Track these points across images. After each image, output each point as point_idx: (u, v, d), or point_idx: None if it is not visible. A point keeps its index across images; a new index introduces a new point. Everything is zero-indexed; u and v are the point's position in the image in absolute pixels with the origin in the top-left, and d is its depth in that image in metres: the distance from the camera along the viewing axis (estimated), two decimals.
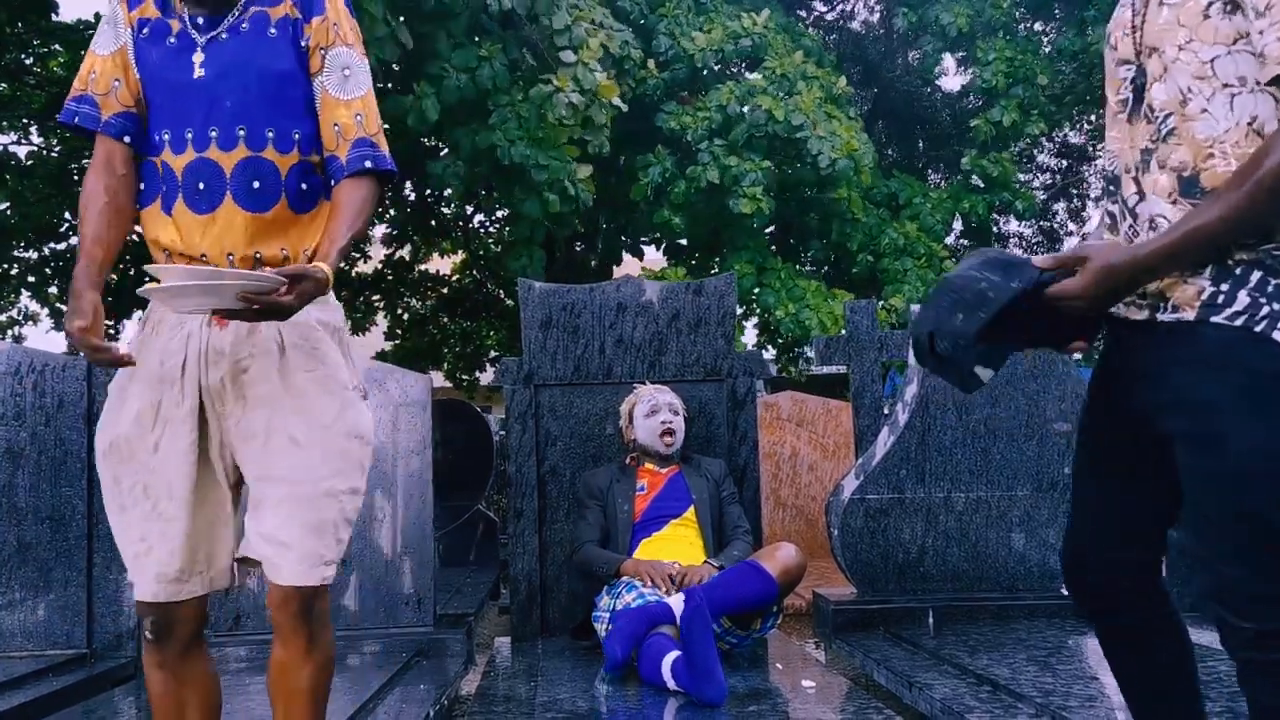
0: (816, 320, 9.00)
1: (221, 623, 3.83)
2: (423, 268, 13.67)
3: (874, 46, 12.83)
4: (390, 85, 7.69)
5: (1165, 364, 1.52)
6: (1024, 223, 15.58)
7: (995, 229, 13.83)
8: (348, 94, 1.87)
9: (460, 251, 13.41)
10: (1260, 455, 1.41)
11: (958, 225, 12.16)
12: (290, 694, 1.84)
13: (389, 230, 13.18)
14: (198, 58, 1.80)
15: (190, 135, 1.78)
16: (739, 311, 9.87)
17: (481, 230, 13.20)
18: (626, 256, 11.38)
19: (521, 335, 4.14)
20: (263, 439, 1.79)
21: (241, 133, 1.79)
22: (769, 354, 11.26)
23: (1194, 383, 1.47)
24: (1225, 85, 1.46)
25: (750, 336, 12.27)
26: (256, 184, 1.79)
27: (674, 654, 2.93)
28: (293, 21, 1.86)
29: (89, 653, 3.70)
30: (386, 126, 8.93)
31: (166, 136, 1.80)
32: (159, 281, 1.60)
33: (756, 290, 9.48)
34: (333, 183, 1.86)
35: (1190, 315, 1.48)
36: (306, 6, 1.87)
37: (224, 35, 1.82)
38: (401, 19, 6.56)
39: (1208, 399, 1.46)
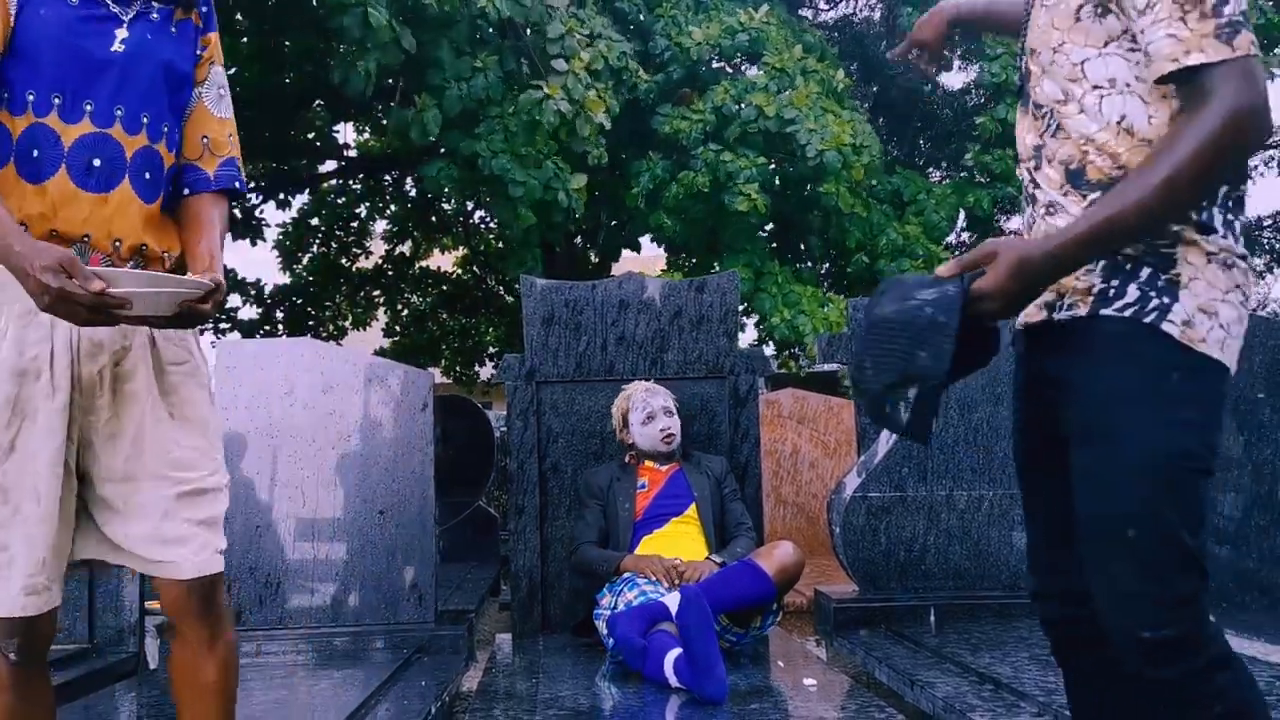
0: (811, 326, 9.02)
1: None
2: (423, 264, 13.67)
3: (875, 43, 12.81)
4: (396, 84, 7.72)
5: (1062, 361, 1.51)
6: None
7: (997, 224, 13.82)
8: (222, 112, 1.89)
9: (460, 247, 13.41)
10: (1150, 450, 1.40)
11: (959, 221, 12.14)
12: (197, 692, 1.78)
13: (390, 226, 13.18)
14: (120, 33, 1.73)
15: (90, 107, 1.69)
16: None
17: (482, 226, 13.21)
18: (627, 253, 11.39)
19: (523, 332, 4.14)
20: (133, 438, 1.72)
21: (145, 120, 1.75)
22: (768, 351, 11.27)
23: (1087, 377, 1.47)
24: (1095, 87, 1.47)
25: (750, 334, 12.28)
26: (148, 175, 1.76)
27: (676, 651, 2.92)
28: (195, 29, 1.85)
29: (91, 647, 3.70)
30: (394, 134, 8.89)
31: (57, 100, 1.67)
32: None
33: (754, 294, 9.47)
34: (186, 192, 1.85)
35: (1083, 311, 1.47)
36: (207, 19, 1.88)
37: (135, 17, 1.76)
38: (405, 25, 6.62)
39: (1100, 393, 1.45)
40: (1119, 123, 1.46)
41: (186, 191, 1.85)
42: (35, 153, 1.66)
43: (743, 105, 9.02)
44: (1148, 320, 1.41)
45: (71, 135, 1.68)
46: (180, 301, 1.58)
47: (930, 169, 13.37)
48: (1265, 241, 17.14)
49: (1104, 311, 1.45)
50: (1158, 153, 1.37)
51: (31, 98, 1.66)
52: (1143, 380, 1.42)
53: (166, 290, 1.57)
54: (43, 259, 1.49)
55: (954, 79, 20.87)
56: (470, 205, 12.24)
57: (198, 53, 1.85)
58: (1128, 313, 1.43)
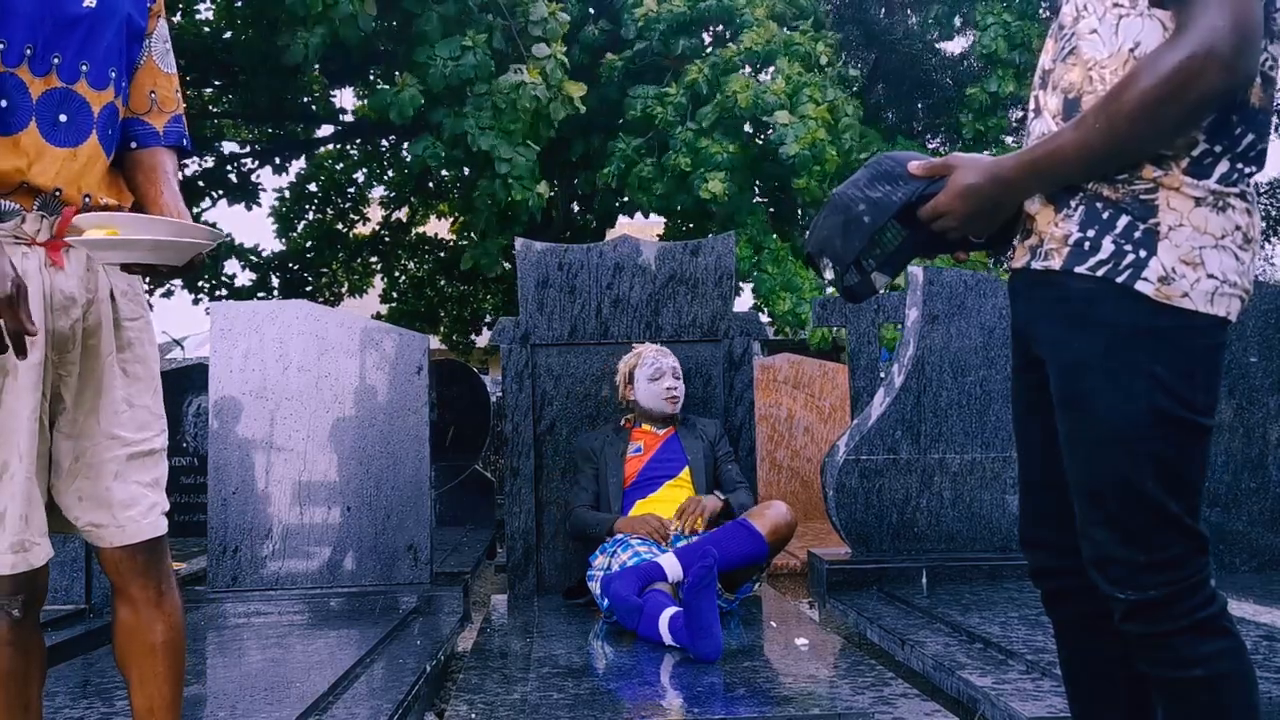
0: (810, 313, 9.05)
1: (219, 579, 3.85)
2: (420, 230, 13.62)
3: (875, 6, 12.70)
4: (383, 51, 7.81)
5: (1038, 316, 1.46)
6: None
7: None
8: (168, 68, 1.86)
9: (457, 214, 13.36)
10: (1124, 417, 1.35)
11: None
12: (145, 652, 1.75)
13: (387, 193, 13.14)
14: None
15: (58, 61, 1.65)
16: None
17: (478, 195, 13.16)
18: (623, 219, 11.38)
19: (518, 295, 4.14)
20: (93, 394, 1.71)
21: (112, 75, 1.73)
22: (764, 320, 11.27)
23: (1060, 340, 1.42)
24: (1115, 4, 1.36)
25: (746, 301, 12.28)
26: (110, 131, 1.75)
27: (671, 610, 2.95)
28: None
29: (88, 607, 3.72)
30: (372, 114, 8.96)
31: (29, 52, 1.63)
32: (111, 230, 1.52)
33: (755, 273, 9.46)
34: (134, 145, 1.83)
35: (1056, 264, 1.40)
36: None
37: None
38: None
39: (1072, 358, 1.40)
40: (1132, 50, 1.35)
41: (134, 145, 1.83)
42: (4, 103, 1.62)
43: (719, 90, 8.97)
44: (1120, 280, 1.35)
45: (39, 89, 1.65)
46: (197, 255, 1.58)
47: (928, 136, 13.29)
48: (1263, 208, 17.11)
49: (1077, 269, 1.38)
50: (1115, 87, 1.30)
51: (2, 47, 1.63)
52: (1111, 345, 1.36)
53: (196, 240, 1.57)
54: None
55: (954, 45, 20.71)
56: (468, 171, 12.20)
57: (149, 5, 1.82)
58: (1100, 271, 1.36)
